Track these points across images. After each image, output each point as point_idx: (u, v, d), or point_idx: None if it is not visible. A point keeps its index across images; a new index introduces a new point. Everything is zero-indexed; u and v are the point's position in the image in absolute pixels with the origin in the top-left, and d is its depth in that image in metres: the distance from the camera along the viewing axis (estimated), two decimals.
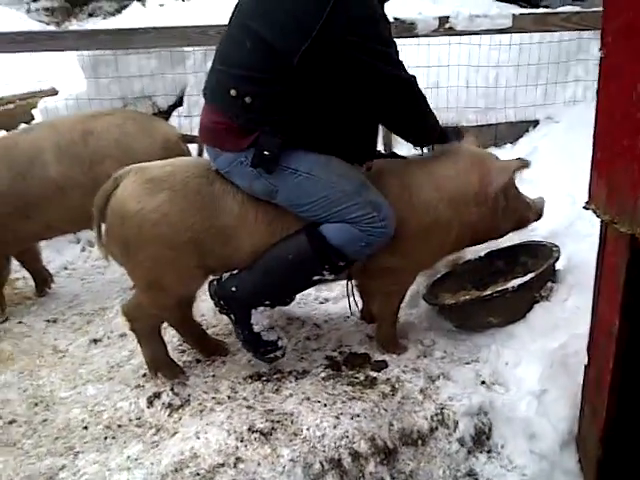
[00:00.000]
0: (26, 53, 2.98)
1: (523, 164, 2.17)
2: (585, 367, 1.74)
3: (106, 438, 1.91)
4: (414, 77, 1.96)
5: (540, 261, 2.29)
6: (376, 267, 2.12)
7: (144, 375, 2.19)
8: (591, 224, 2.51)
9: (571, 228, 2.69)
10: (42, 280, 2.86)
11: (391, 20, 3.09)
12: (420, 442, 1.91)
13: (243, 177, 1.94)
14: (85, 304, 2.74)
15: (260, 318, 2.11)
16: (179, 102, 3.44)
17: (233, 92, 1.86)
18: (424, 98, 2.03)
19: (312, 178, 1.92)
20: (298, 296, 2.64)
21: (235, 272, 2.04)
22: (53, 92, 4.30)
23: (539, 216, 2.34)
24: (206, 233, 1.95)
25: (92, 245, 3.26)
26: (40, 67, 4.38)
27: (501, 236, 2.32)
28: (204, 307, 2.57)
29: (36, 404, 2.09)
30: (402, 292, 2.25)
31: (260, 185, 1.93)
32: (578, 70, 3.57)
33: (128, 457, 1.80)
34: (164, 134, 2.56)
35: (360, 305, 2.46)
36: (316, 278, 2.03)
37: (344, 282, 2.65)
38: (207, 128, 1.99)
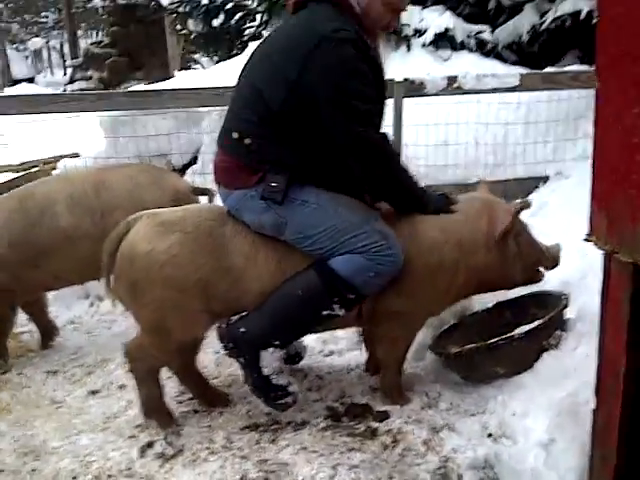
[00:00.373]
0: (50, 118, 3.08)
1: (524, 204, 2.15)
2: (593, 412, 1.64)
3: None
4: (385, 136, 1.98)
5: (550, 311, 2.22)
6: (383, 310, 2.07)
7: (139, 426, 2.13)
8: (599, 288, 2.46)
9: (583, 280, 2.61)
10: (47, 333, 2.84)
11: (400, 80, 3.21)
12: None
13: (252, 211, 1.97)
14: (88, 356, 2.71)
15: (270, 361, 2.04)
16: (194, 161, 3.52)
17: (235, 135, 1.97)
18: (396, 160, 2.03)
19: (320, 208, 1.94)
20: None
21: (244, 314, 2.00)
22: (75, 155, 4.45)
23: (555, 264, 2.26)
24: (215, 275, 1.95)
25: (101, 300, 3.26)
26: (65, 133, 4.56)
27: (515, 285, 2.25)
28: (206, 358, 2.53)
29: (26, 454, 2.03)
30: (409, 338, 2.19)
31: (269, 218, 1.95)
32: (587, 127, 3.58)
33: None
34: (174, 186, 2.61)
35: (365, 356, 2.42)
36: (326, 313, 1.98)
37: (349, 335, 2.65)
38: (219, 168, 2.07)
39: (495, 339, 2.10)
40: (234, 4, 4.89)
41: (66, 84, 14.44)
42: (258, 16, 4.57)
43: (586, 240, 1.48)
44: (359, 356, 2.50)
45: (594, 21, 3.99)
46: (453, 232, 2.06)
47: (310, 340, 2.69)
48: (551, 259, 2.25)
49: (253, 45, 4.28)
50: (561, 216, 3.27)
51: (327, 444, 1.93)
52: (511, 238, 2.13)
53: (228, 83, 2.53)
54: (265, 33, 4.46)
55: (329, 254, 1.94)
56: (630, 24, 1.24)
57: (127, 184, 2.52)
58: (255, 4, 4.48)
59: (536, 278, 2.27)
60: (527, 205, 2.17)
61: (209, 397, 2.23)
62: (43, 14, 20.34)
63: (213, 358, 2.59)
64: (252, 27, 4.67)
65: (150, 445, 1.97)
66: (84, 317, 3.16)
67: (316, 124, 1.90)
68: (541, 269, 2.28)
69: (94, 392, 2.41)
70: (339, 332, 2.69)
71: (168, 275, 1.93)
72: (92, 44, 16.11)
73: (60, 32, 20.32)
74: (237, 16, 4.81)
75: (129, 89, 3.18)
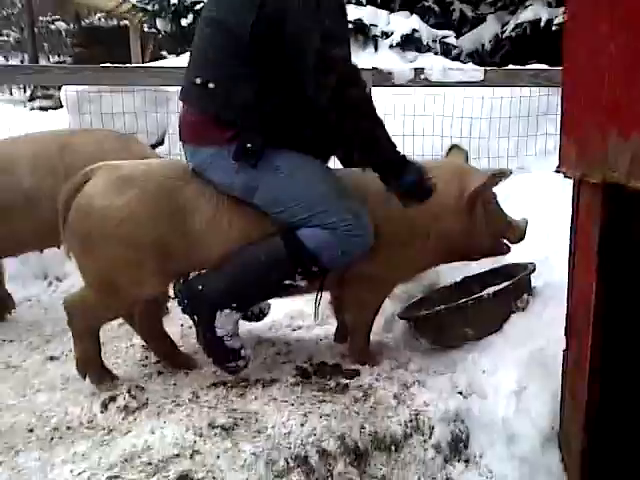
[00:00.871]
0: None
1: (502, 171, 2.18)
2: (564, 352, 1.66)
3: (52, 439, 1.76)
4: (354, 66, 1.83)
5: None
6: (354, 275, 2.06)
7: None
8: (565, 258, 2.53)
9: (546, 262, 2.68)
10: (3, 305, 2.73)
11: (369, 69, 3.27)
12: (394, 447, 1.77)
13: (223, 171, 1.90)
14: (45, 327, 2.61)
15: (224, 323, 1.98)
16: (161, 141, 3.48)
17: (198, 80, 1.89)
18: (371, 99, 1.87)
19: (294, 177, 1.90)
20: (269, 321, 2.60)
21: (204, 271, 1.97)
22: None
23: (521, 237, 2.29)
24: (173, 236, 1.89)
25: (60, 280, 3.16)
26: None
27: (482, 255, 2.28)
28: (171, 330, 2.47)
29: None
30: (378, 302, 2.19)
31: (241, 180, 1.89)
32: (548, 126, 3.71)
33: (74, 453, 1.64)
34: (141, 153, 2.56)
35: (334, 326, 2.40)
36: (287, 282, 1.96)
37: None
38: (185, 124, 1.98)
39: (464, 299, 2.12)
40: (203, 4, 4.92)
41: (26, 102, 14.17)
42: None
43: (556, 172, 1.52)
44: (327, 330, 2.48)
45: (554, 28, 4.19)
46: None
47: (277, 315, 2.67)
48: (517, 232, 2.28)
49: None
50: (523, 207, 3.36)
51: (297, 396, 1.89)
52: (480, 204, 2.15)
53: None
54: None
55: (298, 224, 1.91)
56: None
57: (93, 148, 2.45)
58: None
59: (502, 249, 2.30)
60: (504, 173, 2.17)
61: (175, 359, 2.17)
62: (4, 32, 20.05)
63: (178, 329, 2.53)
64: None
65: (112, 399, 1.89)
66: (42, 296, 3.04)
67: (283, 54, 1.80)
68: (506, 242, 2.31)
69: (52, 358, 2.31)
70: (307, 308, 2.67)
71: (124, 232, 1.86)
72: (55, 63, 15.93)
73: (20, 52, 20.06)
74: None
75: (100, 65, 3.09)
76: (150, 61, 9.04)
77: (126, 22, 11.71)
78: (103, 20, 16.83)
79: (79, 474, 1.53)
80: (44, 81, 2.99)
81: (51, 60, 18.02)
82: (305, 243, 1.90)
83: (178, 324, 2.56)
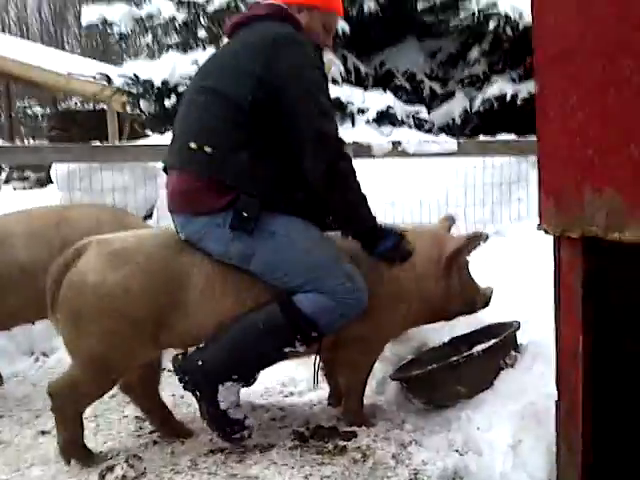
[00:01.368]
0: None
1: (476, 234, 2.28)
2: (556, 403, 1.71)
3: None
4: (342, 141, 1.96)
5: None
6: (345, 337, 2.10)
7: (96, 456, 2.02)
8: (546, 318, 2.62)
9: (528, 322, 2.76)
10: None
11: (349, 142, 3.44)
12: None
13: (219, 241, 1.91)
14: (35, 402, 2.57)
15: (226, 395, 1.98)
16: (149, 215, 3.56)
17: (193, 145, 1.90)
18: (355, 174, 1.99)
19: (290, 242, 1.93)
20: (261, 388, 2.61)
21: (202, 345, 1.95)
22: None
23: (487, 303, 2.38)
24: (167, 308, 1.91)
25: (46, 355, 3.14)
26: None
27: (450, 317, 2.35)
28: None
29: None
30: (369, 363, 2.22)
31: (237, 249, 1.91)
32: (520, 192, 3.90)
33: None
34: (135, 225, 2.62)
35: (327, 393, 2.42)
36: (287, 350, 1.97)
37: (309, 377, 2.65)
38: (177, 193, 1.97)
39: (456, 357, 2.18)
40: (186, 87, 5.14)
41: (2, 184, 14.17)
42: None
43: (538, 228, 1.63)
44: (321, 394, 2.50)
45: (519, 102, 4.46)
46: (410, 263, 2.15)
47: (269, 382, 2.68)
48: (484, 298, 2.37)
49: None
50: (501, 270, 3.48)
51: (297, 460, 1.90)
52: (455, 268, 2.23)
53: None
54: None
55: (295, 289, 1.93)
56: (559, 29, 1.45)
57: (89, 221, 2.50)
58: None
59: (471, 309, 2.36)
60: (480, 237, 2.27)
61: (171, 427, 2.16)
62: None
63: (170, 400, 2.52)
64: None
65: (110, 469, 1.87)
66: (29, 371, 3.01)
67: (281, 123, 1.88)
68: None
69: (44, 432, 2.28)
70: (298, 374, 2.70)
71: (118, 307, 1.87)
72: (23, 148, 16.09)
73: None
74: None
75: (91, 144, 3.21)
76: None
77: (103, 106, 12.03)
78: (79, 104, 17.23)
79: None
80: (35, 160, 3.06)
81: (29, 143, 18.26)
82: (302, 309, 1.91)
83: (170, 394, 2.56)
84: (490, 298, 2.39)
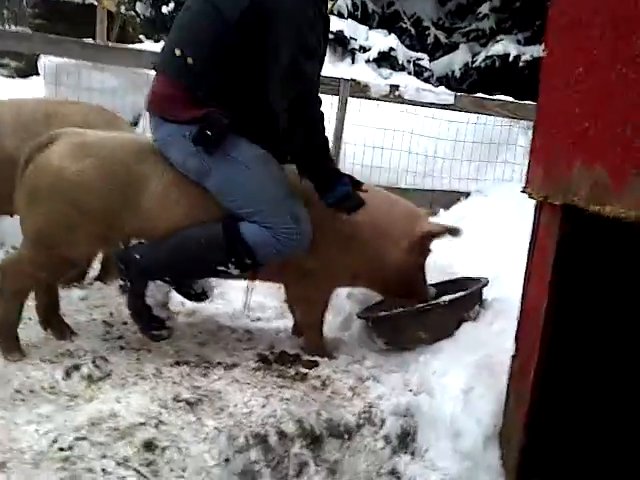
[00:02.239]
0: None
1: (456, 230, 2.29)
2: (512, 357, 1.81)
3: (15, 400, 1.77)
4: (315, 84, 2.00)
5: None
6: (294, 270, 2.16)
7: (63, 354, 2.07)
8: (514, 277, 2.71)
9: (497, 279, 2.86)
10: None
11: (347, 79, 3.41)
12: (346, 436, 1.87)
13: (180, 151, 1.98)
14: None
15: (154, 293, 2.05)
16: (135, 123, 3.50)
17: (177, 52, 1.96)
18: (319, 110, 1.99)
19: (247, 171, 1.98)
20: (230, 310, 2.67)
21: (144, 242, 2.06)
22: None
23: (425, 299, 2.30)
24: (121, 207, 1.98)
25: (16, 248, 3.13)
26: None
27: (386, 292, 2.36)
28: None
29: None
30: (322, 299, 2.28)
31: (195, 163, 1.97)
32: (507, 155, 3.93)
33: (39, 414, 1.67)
34: (123, 129, 2.60)
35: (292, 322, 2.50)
36: (220, 269, 2.05)
37: (277, 304, 2.72)
38: (155, 95, 2.04)
39: (422, 304, 2.25)
40: None
41: None
42: None
43: (522, 191, 1.67)
44: (287, 323, 2.57)
45: (521, 64, 4.43)
46: (369, 214, 2.14)
47: (237, 305, 2.75)
48: (423, 295, 2.32)
49: None
50: (478, 227, 3.55)
51: (259, 380, 1.97)
52: (418, 251, 2.24)
53: None
54: None
55: (241, 215, 2.00)
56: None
57: (78, 119, 2.48)
58: None
59: (407, 299, 2.31)
60: (458, 232, 2.29)
61: (53, 323, 2.20)
62: None
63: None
64: None
65: (76, 368, 1.92)
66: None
67: (261, 47, 1.90)
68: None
69: None
70: (267, 301, 2.77)
71: (73, 195, 1.96)
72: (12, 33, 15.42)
73: None
74: None
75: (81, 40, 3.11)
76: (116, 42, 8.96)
77: (92, 0, 11.50)
78: None
79: (45, 433, 1.56)
80: (23, 48, 2.96)
81: (10, 29, 17.45)
82: (243, 235, 1.99)
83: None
84: (430, 297, 2.33)
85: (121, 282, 2.09)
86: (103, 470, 1.45)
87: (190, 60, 1.94)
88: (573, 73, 1.43)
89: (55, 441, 1.51)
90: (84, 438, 1.54)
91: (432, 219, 2.45)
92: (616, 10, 1.30)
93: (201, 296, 2.46)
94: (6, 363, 1.98)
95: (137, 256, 2.01)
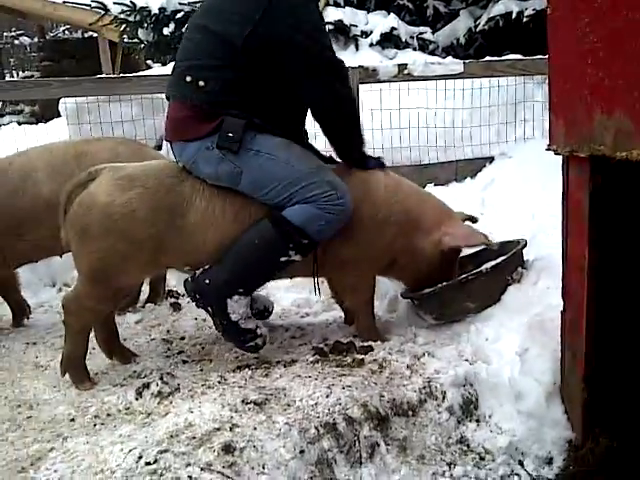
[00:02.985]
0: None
1: (490, 243, 2.32)
2: (561, 313, 1.83)
3: (95, 425, 1.87)
4: (344, 66, 2.13)
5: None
6: (335, 260, 2.22)
7: (131, 376, 2.18)
8: (551, 234, 2.71)
9: (534, 239, 2.87)
10: (21, 310, 2.84)
11: (355, 67, 3.43)
12: (411, 412, 1.92)
13: (209, 162, 2.06)
14: (63, 329, 2.70)
15: (236, 308, 2.12)
16: (158, 147, 3.60)
17: (188, 78, 2.06)
18: (352, 96, 2.19)
19: (274, 159, 2.07)
20: (279, 310, 2.74)
21: (207, 267, 2.11)
22: None
23: None
24: (170, 231, 2.05)
25: (68, 286, 3.26)
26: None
27: (416, 285, 2.37)
28: (187, 324, 2.64)
29: (19, 405, 2.04)
30: (367, 283, 2.32)
31: (225, 168, 2.06)
32: (525, 113, 3.91)
33: (120, 435, 1.76)
34: (152, 157, 2.68)
35: (339, 311, 2.56)
36: (284, 259, 2.10)
37: (323, 298, 2.78)
38: (172, 122, 2.14)
39: (464, 275, 2.29)
40: (184, 13, 5.04)
41: None
42: None
43: (547, 149, 1.69)
44: (335, 314, 2.63)
45: (524, 20, 4.38)
46: (405, 203, 2.24)
47: (285, 304, 2.82)
48: None
49: None
50: (508, 190, 3.56)
51: (319, 372, 2.03)
52: (450, 254, 2.29)
53: None
54: None
55: (282, 203, 2.08)
56: None
57: (108, 154, 2.58)
58: None
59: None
60: (491, 245, 2.35)
61: (115, 351, 2.28)
62: None
63: (193, 323, 2.67)
64: None
65: (146, 387, 2.01)
66: (53, 302, 3.14)
67: (275, 62, 2.02)
68: None
69: None
70: (312, 296, 2.82)
71: (123, 227, 2.02)
72: (23, 78, 15.74)
73: None
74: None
75: (97, 76, 3.22)
76: (121, 71, 9.12)
77: (92, 33, 11.68)
78: (68, 32, 16.72)
79: (130, 451, 1.64)
80: (45, 95, 3.07)
81: (20, 75, 17.85)
82: (290, 218, 2.06)
83: (192, 318, 2.70)
84: None
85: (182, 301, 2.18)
86: (189, 477, 1.53)
87: (201, 83, 2.03)
88: (579, 25, 1.44)
89: (141, 457, 1.59)
90: (167, 450, 1.62)
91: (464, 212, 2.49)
92: None
93: (264, 313, 2.54)
94: (80, 392, 2.09)
95: (206, 282, 2.07)
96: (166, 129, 2.19)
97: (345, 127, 2.19)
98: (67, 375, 2.15)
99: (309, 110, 2.19)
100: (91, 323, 2.19)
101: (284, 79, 2.07)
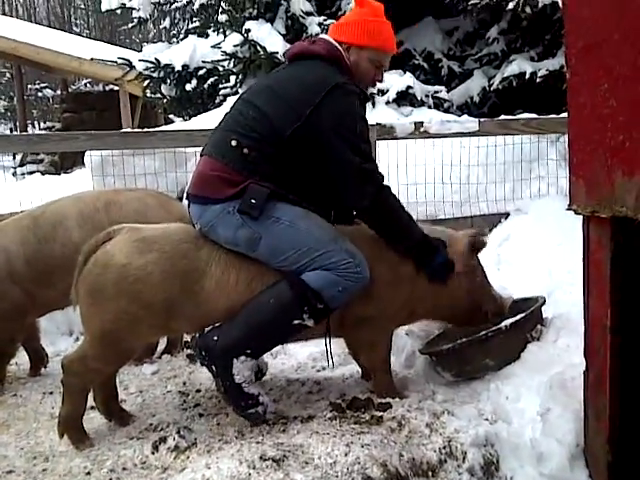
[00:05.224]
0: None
1: (482, 233, 2.35)
2: (584, 373, 1.81)
3: (111, 479, 1.86)
4: (379, 173, 2.18)
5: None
6: (356, 318, 2.21)
7: (147, 429, 2.16)
8: (569, 292, 2.71)
9: (551, 296, 2.86)
10: (38, 360, 2.85)
11: (373, 124, 3.51)
12: (430, 473, 1.89)
13: (228, 226, 2.08)
14: None
15: (241, 370, 2.08)
16: (179, 200, 3.66)
17: (234, 142, 2.12)
18: (390, 195, 2.20)
19: (293, 227, 2.09)
20: (295, 363, 2.73)
21: (218, 324, 2.09)
22: None
23: (501, 312, 2.36)
24: (183, 296, 2.05)
25: None
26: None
27: (458, 320, 2.41)
28: (202, 376, 2.62)
29: (35, 457, 2.04)
30: (384, 340, 2.31)
31: (244, 233, 2.08)
32: (540, 170, 3.95)
33: None
34: (180, 211, 2.73)
35: (358, 367, 2.54)
36: (296, 322, 2.09)
37: (340, 352, 2.77)
38: (199, 176, 2.18)
39: (484, 332, 2.28)
40: (206, 70, 5.20)
41: (16, 167, 14.31)
42: (232, 77, 4.90)
43: (568, 209, 1.71)
44: (352, 368, 2.62)
45: (538, 80, 4.49)
46: None
47: (301, 357, 2.81)
48: (498, 307, 2.36)
49: (230, 101, 4.56)
50: (523, 246, 3.56)
51: (337, 429, 2.00)
52: (465, 270, 2.30)
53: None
54: (241, 91, 4.76)
55: (300, 269, 2.08)
56: (593, 20, 1.52)
57: (136, 204, 2.64)
58: (231, 65, 4.81)
59: (479, 320, 2.36)
60: (484, 234, 2.36)
61: (113, 412, 2.25)
62: None
63: (209, 375, 2.64)
64: (226, 88, 4.98)
65: (163, 440, 2.00)
66: (70, 350, 3.14)
67: (315, 154, 2.12)
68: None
69: (93, 407, 2.40)
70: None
71: (137, 290, 2.01)
72: (44, 129, 16.16)
73: (9, 120, 20.47)
74: (210, 80, 5.12)
75: (122, 131, 3.32)
76: (140, 123, 9.36)
77: (112, 87, 12.06)
78: (89, 85, 17.27)
79: None
80: (71, 147, 3.17)
81: (42, 126, 18.36)
82: (308, 282, 2.06)
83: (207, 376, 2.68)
84: (506, 307, 2.37)
85: (200, 363, 2.15)
86: None
87: (246, 150, 2.10)
88: (599, 90, 1.49)
89: None
90: None
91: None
92: (633, 27, 1.36)
93: (258, 374, 2.48)
94: (97, 445, 2.08)
95: (215, 339, 2.04)
96: (191, 183, 2.23)
97: (381, 226, 2.22)
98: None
99: None
100: (93, 384, 2.16)
101: (320, 168, 2.16)
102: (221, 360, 2.06)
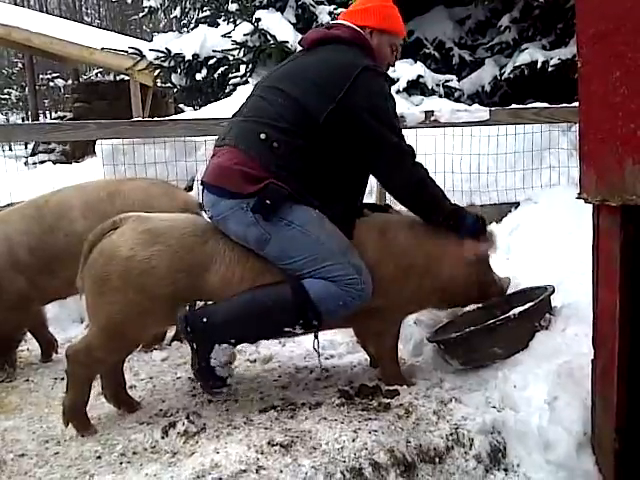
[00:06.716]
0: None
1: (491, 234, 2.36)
2: (592, 362, 1.82)
3: (121, 463, 1.88)
4: (412, 148, 2.24)
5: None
6: (365, 309, 2.19)
7: (157, 414, 2.19)
8: (578, 281, 2.70)
9: (561, 285, 2.85)
10: (49, 345, 2.88)
11: None
12: (437, 459, 1.91)
13: (240, 222, 2.07)
14: None
15: (219, 355, 2.08)
16: (189, 188, 3.68)
17: (263, 136, 2.08)
18: (423, 170, 2.25)
19: (304, 233, 2.07)
20: (303, 350, 2.75)
21: (210, 303, 2.06)
22: None
23: (502, 293, 2.44)
24: (187, 290, 2.04)
25: None
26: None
27: (463, 304, 2.47)
28: None
29: (47, 441, 2.06)
30: (393, 330, 2.32)
31: (254, 232, 2.06)
32: (551, 159, 3.93)
33: (146, 475, 1.77)
34: (184, 199, 2.75)
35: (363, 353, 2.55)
36: (286, 330, 2.11)
37: (348, 340, 2.78)
38: (221, 167, 2.12)
39: (492, 320, 2.28)
40: (217, 59, 5.21)
41: (28, 156, 14.41)
42: (242, 67, 4.90)
43: (578, 197, 1.71)
44: (360, 356, 2.63)
45: (550, 69, 4.45)
46: (424, 241, 2.26)
47: (309, 345, 2.81)
48: (499, 289, 2.41)
49: (241, 90, 4.56)
50: (534, 235, 3.55)
51: (345, 416, 2.03)
52: (475, 264, 2.30)
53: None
54: (251, 81, 4.76)
55: (305, 275, 2.07)
56: (604, 8, 1.51)
57: (140, 194, 2.64)
58: (241, 54, 4.81)
59: (484, 298, 2.44)
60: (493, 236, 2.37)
61: (121, 401, 2.25)
62: (6, 90, 20.61)
63: None
64: (236, 77, 4.99)
65: (172, 425, 2.02)
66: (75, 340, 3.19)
67: (350, 137, 2.12)
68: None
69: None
70: (337, 337, 2.83)
71: (142, 282, 2.01)
72: (55, 119, 16.23)
73: (21, 109, 20.58)
74: (220, 70, 5.12)
75: (132, 119, 3.34)
76: (150, 113, 9.39)
77: (123, 76, 12.09)
78: (100, 75, 17.31)
79: None
80: (82, 136, 3.18)
81: (53, 116, 18.46)
82: (310, 292, 2.04)
83: None
84: (506, 289, 2.43)
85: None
86: None
87: (276, 144, 2.07)
88: (610, 79, 1.48)
89: None
90: None
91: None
92: None
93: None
94: (108, 429, 2.10)
95: (203, 319, 2.02)
96: (208, 171, 2.18)
97: (419, 202, 2.25)
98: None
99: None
100: (97, 373, 2.17)
101: (351, 153, 2.16)
102: (204, 342, 2.06)
